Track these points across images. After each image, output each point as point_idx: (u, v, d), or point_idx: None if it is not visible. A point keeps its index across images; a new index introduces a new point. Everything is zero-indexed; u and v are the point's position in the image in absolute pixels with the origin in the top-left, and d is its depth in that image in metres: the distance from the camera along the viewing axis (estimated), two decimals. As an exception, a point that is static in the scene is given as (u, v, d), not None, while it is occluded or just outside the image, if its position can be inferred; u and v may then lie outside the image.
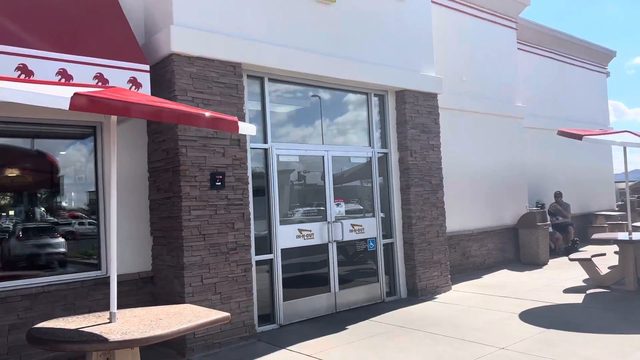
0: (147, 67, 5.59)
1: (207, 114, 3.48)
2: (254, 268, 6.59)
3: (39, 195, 6.14)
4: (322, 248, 7.45)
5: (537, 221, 11.33)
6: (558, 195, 13.30)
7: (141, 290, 6.30)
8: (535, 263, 11.23)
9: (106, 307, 5.84)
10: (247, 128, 3.74)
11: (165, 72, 6.05)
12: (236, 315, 6.15)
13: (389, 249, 8.39)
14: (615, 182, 18.89)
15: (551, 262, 11.52)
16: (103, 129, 6.21)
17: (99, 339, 3.18)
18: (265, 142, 6.96)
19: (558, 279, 9.36)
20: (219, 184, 6.09)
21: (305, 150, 7.40)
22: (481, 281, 9.57)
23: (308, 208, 7.43)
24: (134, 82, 5.39)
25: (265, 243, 6.88)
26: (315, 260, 7.44)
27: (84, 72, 5.04)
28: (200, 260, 5.89)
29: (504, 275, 10.08)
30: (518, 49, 12.57)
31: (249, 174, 6.59)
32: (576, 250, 12.44)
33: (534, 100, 13.50)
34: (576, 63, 15.83)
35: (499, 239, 11.33)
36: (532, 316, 6.77)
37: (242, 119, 6.38)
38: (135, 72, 5.44)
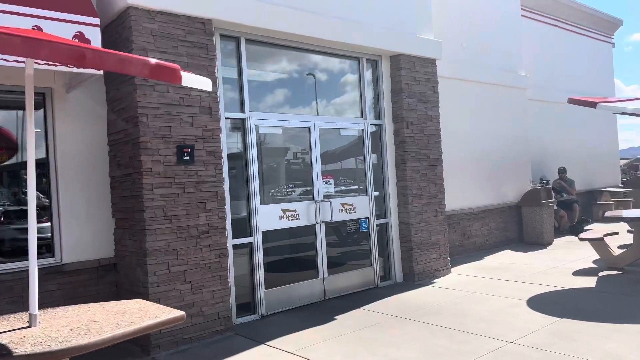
0: (96, 21, 4.76)
1: (140, 58, 2.70)
2: (230, 253, 5.86)
3: (-19, 172, 5.37)
4: (309, 230, 6.73)
5: (541, 198, 10.63)
6: (562, 171, 12.58)
7: (102, 280, 5.58)
8: (540, 243, 10.55)
9: (61, 300, 5.13)
10: (194, 80, 2.95)
11: (122, 30, 5.23)
12: (210, 306, 5.44)
13: (383, 230, 7.68)
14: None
15: (556, 241, 10.86)
16: (53, 96, 5.41)
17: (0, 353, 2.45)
18: (243, 111, 6.17)
19: (565, 260, 8.69)
20: (187, 158, 5.33)
21: (289, 121, 6.62)
22: (483, 263, 8.89)
23: (293, 186, 6.68)
24: (80, 37, 4.57)
25: (244, 225, 6.14)
26: (301, 243, 6.72)
27: (19, 23, 4.22)
28: (166, 245, 5.16)
29: (506, 257, 9.40)
30: (521, 15, 11.70)
31: (223, 147, 5.82)
32: (582, 229, 11.76)
33: (537, 71, 12.69)
34: (581, 32, 14.97)
35: (501, 218, 10.64)
36: (541, 303, 6.09)
37: (214, 83, 5.58)
38: (82, 26, 4.62)
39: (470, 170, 9.87)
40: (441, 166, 8.16)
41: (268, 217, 6.26)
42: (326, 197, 6.90)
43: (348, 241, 7.25)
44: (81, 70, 4.62)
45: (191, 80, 2.88)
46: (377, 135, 7.68)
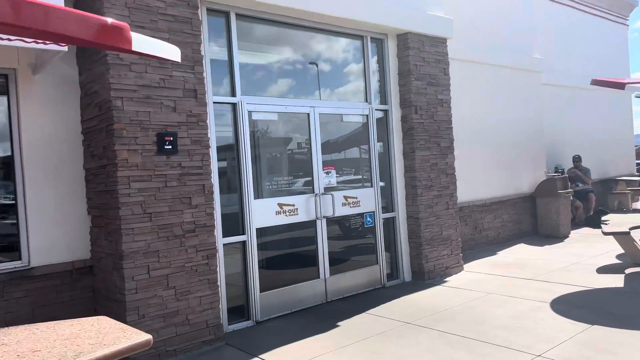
0: (60, -11, 4.12)
1: (73, 12, 2.06)
2: (220, 253, 5.26)
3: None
4: (309, 226, 6.11)
5: (557, 188, 9.97)
6: (577, 159, 11.90)
7: (77, 284, 4.98)
8: (555, 236, 9.92)
9: (29, 308, 4.55)
10: (152, 45, 2.29)
11: (92, 1, 4.59)
12: (197, 314, 4.84)
13: (390, 224, 7.05)
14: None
15: (572, 234, 10.22)
16: (17, 79, 4.78)
17: None
18: (233, 95, 5.53)
19: (586, 256, 8.06)
20: (170, 147, 4.70)
21: (286, 106, 5.97)
22: (497, 259, 8.27)
23: (290, 178, 6.05)
24: (39, 7, 3.93)
25: (235, 222, 5.53)
26: (300, 240, 6.11)
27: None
28: (145, 246, 4.55)
29: (521, 251, 8.78)
30: (535, -8, 10.97)
31: (211, 135, 5.20)
32: (599, 221, 11.10)
33: (550, 54, 11.96)
34: (596, 13, 14.20)
35: (515, 210, 10.00)
36: (567, 306, 5.48)
37: (199, 63, 4.94)
38: (41, -6, 3.97)
39: (482, 159, 9.22)
40: (453, 155, 7.51)
41: (263, 212, 5.64)
42: (327, 189, 6.28)
43: (352, 238, 6.64)
44: (41, 45, 3.99)
45: (148, 44, 2.22)
46: (383, 122, 7.03)
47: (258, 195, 5.66)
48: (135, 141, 4.52)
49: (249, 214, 5.51)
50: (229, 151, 5.54)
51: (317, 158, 6.17)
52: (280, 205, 5.80)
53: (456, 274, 7.36)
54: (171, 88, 4.75)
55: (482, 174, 9.23)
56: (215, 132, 5.32)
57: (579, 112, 12.77)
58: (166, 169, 4.70)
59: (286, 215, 5.84)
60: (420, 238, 6.97)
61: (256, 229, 5.58)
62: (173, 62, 4.74)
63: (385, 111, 7.03)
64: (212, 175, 5.06)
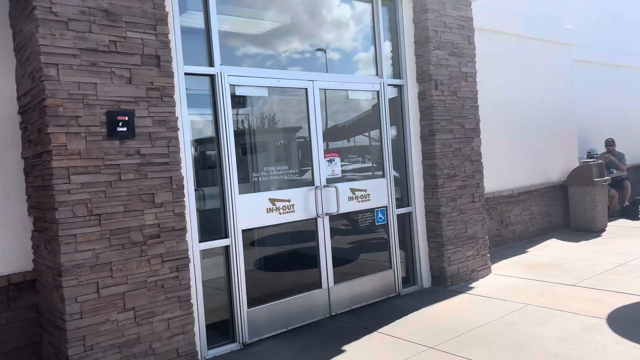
0: None
1: None
2: (196, 263, 4.22)
3: None
4: (308, 225, 5.06)
5: (593, 176, 8.81)
6: (610, 143, 10.70)
7: (16, 303, 3.98)
8: (590, 229, 8.79)
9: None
10: None
11: (18, -61, 3.53)
12: (164, 340, 3.82)
13: (405, 221, 5.98)
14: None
15: (609, 227, 9.08)
16: None
17: None
18: (211, 64, 4.45)
19: (632, 254, 6.93)
20: (124, 130, 3.65)
21: (278, 79, 4.88)
22: (528, 258, 7.17)
23: (285, 168, 4.98)
24: None
25: (216, 223, 4.49)
26: (297, 243, 5.07)
27: None
28: (92, 257, 3.52)
29: (555, 248, 7.67)
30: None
31: (181, 114, 4.14)
32: (637, 211, 9.95)
33: (581, 28, 10.71)
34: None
35: (544, 200, 8.87)
36: (629, 325, 4.38)
37: (163, 21, 3.86)
38: None
39: (507, 143, 8.08)
40: (479, 138, 6.39)
41: (250, 210, 4.59)
42: (331, 181, 5.21)
43: (360, 238, 5.58)
44: None
45: None
46: (398, 100, 5.93)
47: (244, 189, 4.61)
48: (76, 122, 3.47)
49: (232, 212, 4.46)
50: (206, 135, 4.48)
51: (318, 143, 5.10)
52: (273, 201, 4.74)
53: (483, 277, 6.29)
54: (125, 53, 3.69)
55: (507, 160, 8.10)
56: (188, 111, 4.25)
57: (611, 90, 11.52)
58: (120, 158, 3.65)
59: (279, 213, 4.78)
60: (441, 237, 5.90)
61: (242, 230, 4.53)
62: (127, 20, 3.68)
63: (400, 87, 5.92)
64: (182, 165, 4.01)
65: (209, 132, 4.48)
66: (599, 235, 8.47)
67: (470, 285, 5.97)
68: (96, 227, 3.53)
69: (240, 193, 4.52)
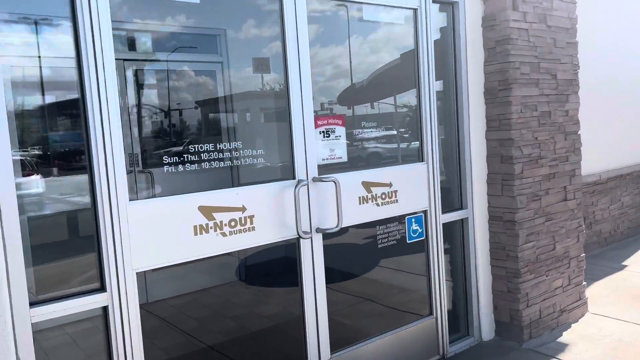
0: None
1: None
2: (25, 338, 1.96)
3: None
4: (282, 252, 2.77)
5: None
6: None
7: None
8: (703, 229, 6.30)
9: None
10: None
11: None
12: None
13: (455, 235, 3.63)
14: None
15: None
16: None
17: None
18: None
19: None
20: None
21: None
22: (633, 279, 4.77)
23: (234, 147, 2.62)
24: None
25: (83, 263, 2.21)
26: (258, 287, 2.79)
27: None
28: None
29: (667, 262, 5.25)
30: None
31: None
32: None
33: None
34: None
35: (638, 188, 6.39)
36: None
37: None
38: None
39: (599, 109, 5.56)
40: (576, 96, 3.94)
41: (157, 232, 2.28)
42: (327, 169, 2.86)
43: (379, 267, 3.26)
44: None
45: None
46: (447, 35, 3.50)
47: (142, 190, 2.31)
48: None
49: (113, 240, 2.16)
50: (59, 94, 2.17)
51: (303, 98, 2.72)
52: (207, 210, 2.42)
53: (577, 321, 3.93)
54: None
55: (596, 131, 5.59)
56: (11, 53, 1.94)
57: None
58: None
59: (222, 234, 2.47)
60: (515, 259, 3.53)
61: (137, 273, 2.23)
62: None
63: (451, 5, 3.47)
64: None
65: (65, 85, 2.16)
66: None
67: (561, 340, 3.63)
68: None
69: (131, 200, 2.21)
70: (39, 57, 2.14)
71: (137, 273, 2.23)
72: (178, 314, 2.61)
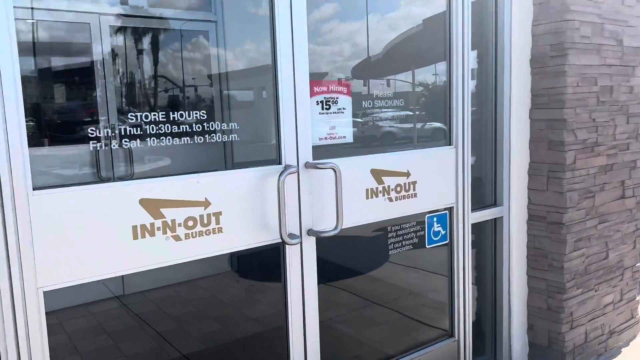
0: None
1: None
2: None
3: None
4: (262, 261, 2.10)
5: None
6: None
7: None
8: None
9: None
10: None
11: None
12: None
13: (486, 238, 2.92)
14: None
15: None
16: None
17: None
18: None
19: None
20: None
21: None
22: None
23: (194, 118, 1.92)
24: None
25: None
26: (226, 307, 2.13)
27: None
28: None
29: None
30: None
31: None
32: None
33: None
34: None
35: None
36: None
37: None
38: None
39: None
40: (644, 69, 3.18)
41: (82, 232, 1.62)
42: (324, 153, 2.16)
43: (390, 278, 2.57)
44: None
45: None
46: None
47: (63, 174, 1.65)
48: None
49: (6, 249, 1.49)
50: None
51: (292, 54, 2.01)
52: (153, 205, 1.74)
53: (627, 345, 3.24)
54: None
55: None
56: None
57: None
58: None
59: (173, 238, 1.80)
60: (560, 270, 2.83)
61: (45, 292, 1.57)
62: None
63: (493, -52, 2.72)
64: None
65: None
66: None
67: (610, 369, 2.95)
68: None
69: (39, 187, 1.54)
70: None
71: (44, 292, 1.57)
72: (112, 340, 1.96)
